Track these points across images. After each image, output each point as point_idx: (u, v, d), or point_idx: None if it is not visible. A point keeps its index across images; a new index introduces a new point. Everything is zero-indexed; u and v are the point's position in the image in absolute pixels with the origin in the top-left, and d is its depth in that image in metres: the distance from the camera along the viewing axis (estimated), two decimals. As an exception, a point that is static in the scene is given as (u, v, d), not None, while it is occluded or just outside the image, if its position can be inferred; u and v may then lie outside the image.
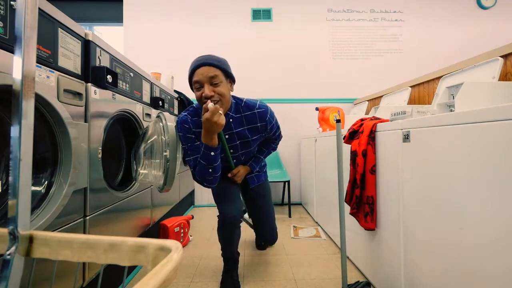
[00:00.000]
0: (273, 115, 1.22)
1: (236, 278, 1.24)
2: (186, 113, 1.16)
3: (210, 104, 0.95)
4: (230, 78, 1.09)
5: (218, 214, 1.20)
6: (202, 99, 1.02)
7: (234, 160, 1.25)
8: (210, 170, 1.06)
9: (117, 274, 1.17)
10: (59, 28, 0.85)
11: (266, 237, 1.47)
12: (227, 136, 1.15)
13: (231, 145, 1.18)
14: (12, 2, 0.68)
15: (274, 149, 1.41)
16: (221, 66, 1.03)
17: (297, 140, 2.92)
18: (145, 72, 1.52)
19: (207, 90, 1.00)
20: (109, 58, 1.13)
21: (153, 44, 2.88)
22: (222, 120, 0.97)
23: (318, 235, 1.91)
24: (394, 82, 2.36)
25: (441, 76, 1.54)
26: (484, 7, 3.02)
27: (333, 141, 1.67)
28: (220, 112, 0.97)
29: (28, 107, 0.43)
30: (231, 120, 1.13)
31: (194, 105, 1.20)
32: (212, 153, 1.03)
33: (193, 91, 1.08)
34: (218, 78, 1.02)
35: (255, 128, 1.18)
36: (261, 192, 1.38)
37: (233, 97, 1.17)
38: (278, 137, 1.37)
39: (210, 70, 1.01)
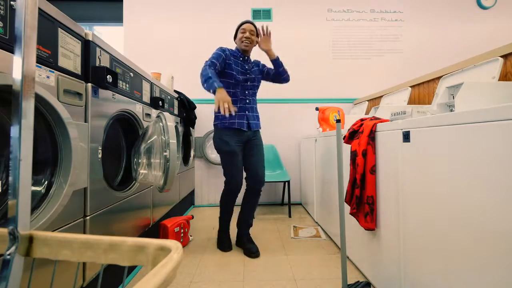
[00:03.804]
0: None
1: (228, 235, 1.75)
2: (229, 48, 1.75)
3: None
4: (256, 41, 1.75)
5: (225, 180, 1.67)
6: (242, 38, 1.67)
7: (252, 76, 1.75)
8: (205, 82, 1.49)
9: (117, 274, 1.17)
10: (59, 28, 0.85)
11: (259, 177, 1.68)
12: (247, 66, 1.74)
13: (252, 69, 1.76)
14: (12, 2, 0.68)
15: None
16: (257, 29, 1.72)
17: (297, 140, 2.92)
18: (145, 72, 1.52)
19: (248, 34, 1.66)
20: (109, 58, 1.13)
21: (153, 44, 2.88)
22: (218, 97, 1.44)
23: (318, 235, 1.91)
24: (394, 82, 2.36)
25: (441, 76, 1.54)
26: (484, 7, 3.02)
27: (333, 141, 1.67)
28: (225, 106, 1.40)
29: (28, 107, 0.43)
30: (249, 60, 1.78)
31: (234, 49, 1.76)
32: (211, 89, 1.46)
33: (235, 38, 1.74)
34: (254, 32, 1.69)
35: (259, 68, 1.82)
36: (258, 140, 1.74)
37: None
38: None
39: (252, 27, 1.69)
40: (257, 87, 1.78)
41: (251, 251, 1.58)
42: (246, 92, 1.70)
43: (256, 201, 1.73)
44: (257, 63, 1.83)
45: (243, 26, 1.68)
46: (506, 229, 0.59)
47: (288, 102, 2.93)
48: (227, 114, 1.37)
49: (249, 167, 1.69)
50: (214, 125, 1.70)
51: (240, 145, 1.65)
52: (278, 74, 1.78)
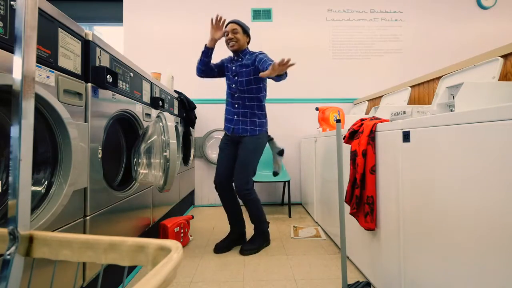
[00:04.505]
0: (261, 53, 1.68)
1: (225, 245, 1.66)
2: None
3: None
4: (247, 34, 1.72)
5: None
6: (227, 41, 1.69)
7: (238, 79, 1.69)
8: (199, 60, 1.72)
9: (117, 274, 1.17)
10: (59, 28, 0.85)
11: (235, 185, 1.65)
12: (234, 67, 1.72)
13: (239, 70, 1.69)
14: (12, 2, 0.68)
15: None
16: (241, 24, 1.68)
17: (297, 140, 2.92)
18: (145, 72, 1.52)
19: (230, 35, 1.66)
20: (109, 58, 1.13)
21: (153, 44, 2.88)
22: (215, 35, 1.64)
23: (318, 235, 1.91)
24: (394, 82, 2.36)
25: (441, 76, 1.54)
26: (484, 7, 3.02)
27: (333, 141, 1.67)
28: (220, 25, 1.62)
29: (28, 107, 0.43)
30: (241, 59, 1.71)
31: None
32: (204, 49, 1.68)
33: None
34: (237, 30, 1.67)
35: (250, 66, 1.68)
36: (243, 145, 1.67)
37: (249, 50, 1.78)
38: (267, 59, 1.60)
39: (234, 25, 1.67)
40: (247, 91, 1.65)
41: (242, 248, 1.62)
42: (236, 95, 1.69)
43: (248, 207, 1.65)
44: (250, 61, 1.64)
45: (226, 29, 1.68)
46: (506, 229, 0.59)
47: (288, 102, 2.93)
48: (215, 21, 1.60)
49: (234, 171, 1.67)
50: None
51: (228, 143, 1.73)
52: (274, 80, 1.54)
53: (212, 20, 1.61)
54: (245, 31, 1.70)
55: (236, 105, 1.69)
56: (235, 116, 1.69)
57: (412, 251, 0.92)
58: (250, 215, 1.68)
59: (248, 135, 1.68)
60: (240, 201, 1.70)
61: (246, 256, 1.58)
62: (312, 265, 1.44)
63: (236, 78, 1.69)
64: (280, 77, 1.50)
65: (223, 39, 1.71)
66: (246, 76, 1.66)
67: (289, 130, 2.90)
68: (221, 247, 1.64)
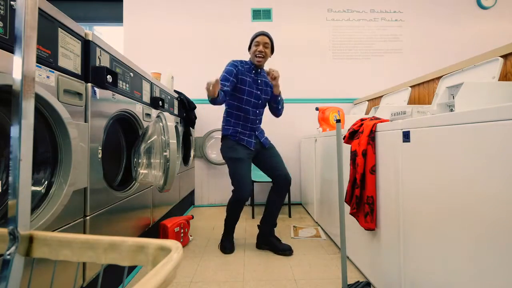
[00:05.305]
0: None
1: (231, 245, 1.68)
2: (241, 60, 1.69)
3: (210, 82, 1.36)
4: (272, 50, 1.69)
5: (233, 189, 1.62)
6: (255, 52, 1.62)
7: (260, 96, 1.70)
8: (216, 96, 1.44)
9: (117, 274, 1.17)
10: (59, 28, 0.85)
11: (284, 176, 1.66)
12: (259, 81, 1.69)
13: (264, 87, 1.71)
14: (12, 2, 0.68)
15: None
16: (272, 40, 1.66)
17: (297, 140, 2.92)
18: (145, 72, 1.52)
19: (261, 48, 1.61)
20: (109, 58, 1.13)
21: (153, 44, 2.88)
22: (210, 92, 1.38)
23: (318, 235, 1.91)
24: (394, 82, 2.36)
25: (441, 76, 1.54)
26: (484, 7, 3.02)
27: (333, 141, 1.67)
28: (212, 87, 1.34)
29: (28, 107, 0.43)
30: (262, 75, 1.71)
31: (248, 60, 1.72)
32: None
33: (249, 49, 1.68)
34: (268, 45, 1.64)
35: (269, 85, 1.74)
36: (271, 149, 1.74)
37: None
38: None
39: (266, 39, 1.63)
40: (265, 106, 1.77)
41: (285, 249, 1.59)
42: (258, 111, 1.68)
43: (283, 201, 1.69)
44: (269, 82, 1.72)
45: (257, 39, 1.62)
46: (507, 230, 0.59)
47: (288, 102, 2.91)
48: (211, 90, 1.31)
49: (273, 167, 1.68)
50: (222, 136, 1.70)
51: (248, 155, 1.65)
52: (274, 109, 1.76)
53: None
54: (272, 47, 1.68)
55: (257, 121, 1.70)
56: (256, 132, 1.69)
57: (412, 251, 0.92)
58: (278, 208, 1.68)
59: (269, 144, 1.76)
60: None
61: (246, 256, 1.58)
62: (312, 265, 1.44)
63: (260, 92, 1.68)
64: (276, 112, 1.78)
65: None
66: (271, 91, 1.72)
67: (289, 130, 2.90)
68: (230, 247, 1.66)
